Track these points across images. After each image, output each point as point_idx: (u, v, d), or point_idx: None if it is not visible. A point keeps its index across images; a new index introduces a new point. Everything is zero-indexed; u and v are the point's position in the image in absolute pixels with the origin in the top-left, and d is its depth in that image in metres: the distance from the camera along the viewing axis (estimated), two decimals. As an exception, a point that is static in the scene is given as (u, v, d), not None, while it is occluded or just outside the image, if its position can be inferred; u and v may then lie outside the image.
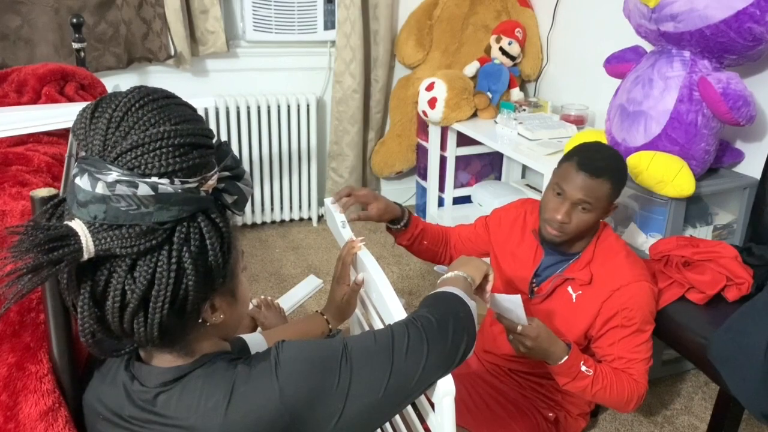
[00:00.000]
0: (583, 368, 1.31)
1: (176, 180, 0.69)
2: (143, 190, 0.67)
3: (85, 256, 0.68)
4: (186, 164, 0.69)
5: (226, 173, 0.77)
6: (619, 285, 1.40)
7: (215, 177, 0.74)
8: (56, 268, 0.67)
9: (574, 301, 1.45)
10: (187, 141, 0.70)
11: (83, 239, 0.67)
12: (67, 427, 0.82)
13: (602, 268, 1.44)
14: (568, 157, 1.44)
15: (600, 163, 1.39)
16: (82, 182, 0.67)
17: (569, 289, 1.47)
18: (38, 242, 0.65)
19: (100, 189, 0.67)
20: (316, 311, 1.23)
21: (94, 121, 0.70)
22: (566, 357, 1.29)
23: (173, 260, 0.70)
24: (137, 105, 0.70)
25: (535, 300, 1.51)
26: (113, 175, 0.67)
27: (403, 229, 1.57)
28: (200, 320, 0.78)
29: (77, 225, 0.68)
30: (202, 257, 0.73)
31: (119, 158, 0.68)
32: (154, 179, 0.68)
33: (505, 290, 1.56)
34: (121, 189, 0.67)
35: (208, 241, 0.72)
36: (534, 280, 1.53)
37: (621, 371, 1.38)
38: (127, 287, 0.70)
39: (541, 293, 1.50)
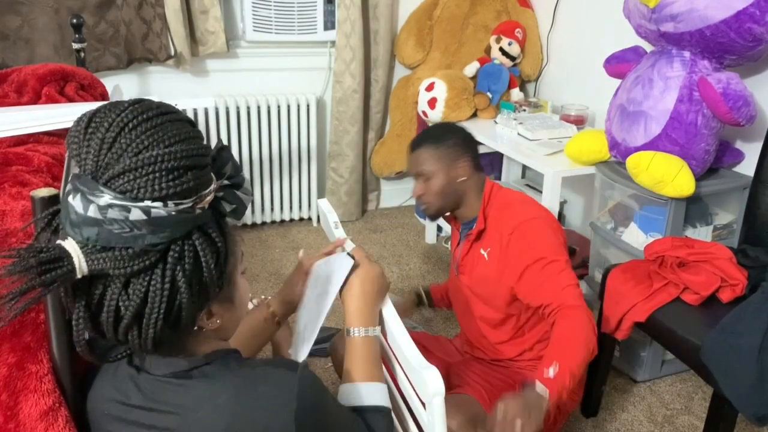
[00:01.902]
0: (551, 372, 1.21)
1: (170, 203, 0.68)
2: (135, 214, 0.66)
3: (79, 275, 0.68)
4: (180, 188, 0.69)
5: (225, 182, 0.77)
6: (512, 228, 1.44)
7: (212, 195, 0.74)
8: (49, 289, 0.67)
9: (487, 259, 1.50)
10: (180, 164, 0.69)
11: (76, 260, 0.67)
12: (67, 426, 0.82)
13: (496, 220, 1.49)
14: None
15: (419, 137, 1.55)
16: (75, 202, 0.67)
17: (481, 251, 1.51)
18: (30, 266, 0.65)
19: (92, 212, 0.66)
20: (263, 297, 1.24)
21: (87, 137, 0.69)
22: (537, 382, 1.19)
23: (167, 279, 0.70)
24: (130, 126, 0.69)
25: (462, 278, 1.59)
26: (105, 198, 0.66)
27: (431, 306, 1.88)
28: (196, 327, 0.78)
29: (70, 245, 0.67)
30: (197, 274, 0.73)
31: (111, 181, 0.67)
32: (147, 203, 0.67)
33: (453, 293, 1.72)
34: (113, 213, 0.66)
35: (202, 259, 0.72)
36: (458, 261, 1.62)
37: (560, 320, 1.31)
38: (121, 303, 0.70)
39: (462, 269, 1.58)
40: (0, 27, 2.45)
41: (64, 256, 0.67)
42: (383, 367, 1.04)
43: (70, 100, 1.80)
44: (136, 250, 0.68)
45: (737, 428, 1.66)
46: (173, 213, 0.68)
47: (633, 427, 1.88)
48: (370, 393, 0.97)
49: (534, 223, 1.44)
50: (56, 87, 1.82)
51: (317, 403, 0.81)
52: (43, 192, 0.78)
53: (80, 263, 0.67)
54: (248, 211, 3.12)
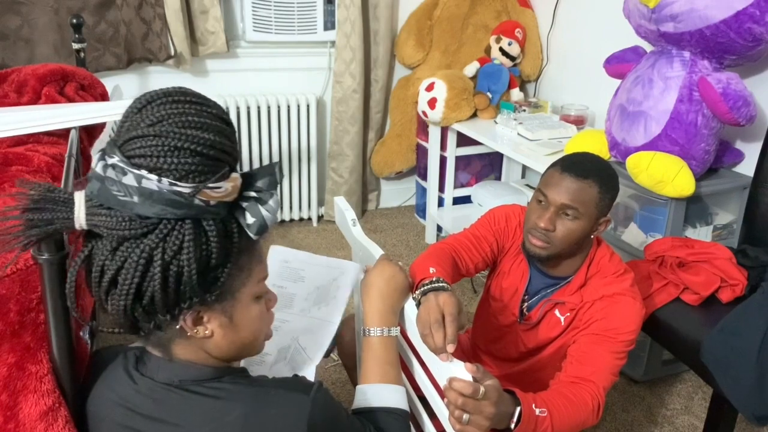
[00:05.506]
0: (537, 411, 1.06)
1: (164, 179, 0.69)
2: (129, 179, 0.69)
3: (77, 226, 0.70)
4: (178, 167, 0.69)
5: (252, 194, 0.76)
6: (602, 295, 1.31)
7: (221, 191, 0.72)
8: (48, 228, 0.70)
9: (562, 324, 1.36)
10: (189, 146, 0.69)
11: (77, 210, 0.70)
12: (67, 427, 0.82)
13: (592, 288, 1.35)
14: (552, 165, 1.35)
15: (587, 165, 1.29)
16: (95, 159, 0.71)
17: (557, 312, 1.37)
18: (35, 199, 0.69)
19: (99, 168, 0.70)
20: None
21: (128, 109, 0.74)
22: (519, 408, 1.01)
23: (143, 255, 0.70)
24: (158, 102, 0.71)
25: (523, 326, 1.41)
26: (114, 159, 0.69)
27: None
28: (178, 327, 0.77)
29: (78, 196, 0.71)
30: (176, 264, 0.71)
31: (124, 145, 0.70)
32: (143, 172, 0.69)
33: (494, 311, 1.48)
34: (111, 173, 0.69)
35: (184, 251, 0.70)
36: (524, 305, 1.42)
37: (570, 384, 1.19)
38: (105, 264, 0.72)
39: (530, 320, 1.40)
40: (0, 27, 2.45)
41: (68, 202, 0.70)
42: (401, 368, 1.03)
43: (70, 100, 1.80)
44: (125, 216, 0.69)
45: (737, 428, 1.67)
46: (165, 190, 0.69)
47: (633, 427, 1.88)
48: (384, 395, 0.96)
49: (627, 300, 1.29)
50: (56, 87, 1.82)
51: (328, 426, 0.81)
52: (43, 192, 0.78)
53: (79, 214, 0.70)
54: (248, 211, 3.11)
